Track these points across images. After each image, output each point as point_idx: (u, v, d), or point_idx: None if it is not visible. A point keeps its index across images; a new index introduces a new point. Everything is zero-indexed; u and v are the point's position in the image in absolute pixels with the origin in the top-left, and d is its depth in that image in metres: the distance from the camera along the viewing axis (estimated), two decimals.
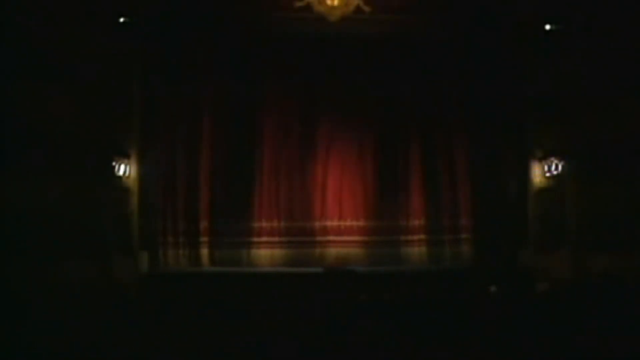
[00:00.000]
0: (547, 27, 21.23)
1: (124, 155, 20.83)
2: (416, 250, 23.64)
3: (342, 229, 23.67)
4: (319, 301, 11.49)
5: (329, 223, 23.69)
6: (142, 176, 21.64)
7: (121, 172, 20.73)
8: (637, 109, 18.07)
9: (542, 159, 21.82)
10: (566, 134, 20.55)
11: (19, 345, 8.21)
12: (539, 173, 21.91)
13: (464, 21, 21.92)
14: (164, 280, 20.02)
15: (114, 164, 20.27)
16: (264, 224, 23.45)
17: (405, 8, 21.67)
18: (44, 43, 17.25)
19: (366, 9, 20.75)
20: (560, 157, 20.96)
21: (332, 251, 23.42)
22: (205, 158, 23.49)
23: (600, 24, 19.50)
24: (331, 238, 23.57)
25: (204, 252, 23.06)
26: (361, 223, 23.74)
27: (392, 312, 10.33)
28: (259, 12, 21.58)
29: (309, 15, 20.93)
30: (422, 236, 23.71)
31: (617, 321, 9.58)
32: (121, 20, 20.38)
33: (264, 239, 23.38)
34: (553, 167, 21.39)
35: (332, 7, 20.50)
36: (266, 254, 23.26)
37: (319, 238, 23.55)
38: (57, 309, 11.05)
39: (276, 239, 23.44)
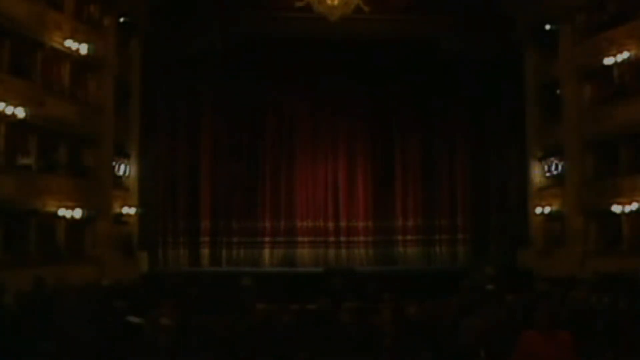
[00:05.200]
0: (547, 27, 21.29)
1: (124, 155, 20.84)
2: (417, 250, 23.73)
3: (343, 229, 23.70)
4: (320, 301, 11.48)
5: (330, 223, 23.73)
6: (142, 176, 21.64)
7: (121, 172, 20.74)
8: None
9: (542, 159, 21.84)
10: (566, 133, 20.56)
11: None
12: (539, 173, 21.92)
13: (463, 21, 21.90)
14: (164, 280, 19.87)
15: (114, 164, 20.28)
16: (266, 224, 23.49)
17: (405, 8, 21.68)
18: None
19: (366, 9, 20.74)
20: (560, 157, 21.00)
21: (333, 251, 23.51)
22: (206, 158, 23.52)
23: None
24: (332, 239, 23.62)
25: (205, 252, 23.12)
26: (361, 223, 23.78)
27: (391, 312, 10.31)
28: (259, 12, 21.57)
29: (309, 15, 20.92)
30: (423, 236, 23.80)
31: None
32: (121, 20, 20.37)
33: (266, 239, 23.42)
34: (553, 167, 21.42)
35: (332, 7, 20.48)
36: (268, 254, 23.33)
37: (320, 238, 23.61)
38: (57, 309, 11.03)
39: (277, 238, 23.47)
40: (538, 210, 21.49)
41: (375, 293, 14.40)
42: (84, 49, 18.25)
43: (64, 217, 17.81)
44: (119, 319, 9.24)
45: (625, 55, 18.40)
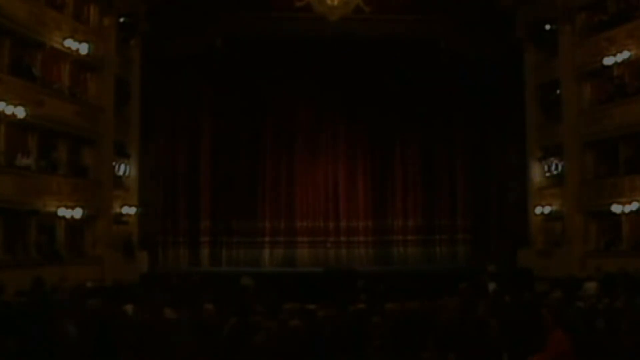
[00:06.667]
0: (547, 27, 21.29)
1: (124, 155, 20.84)
2: (417, 250, 23.74)
3: (343, 229, 23.69)
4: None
5: (330, 224, 23.72)
6: (142, 176, 21.64)
7: (121, 172, 20.74)
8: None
9: (542, 159, 21.84)
10: (566, 133, 20.57)
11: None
12: (539, 173, 21.92)
13: (463, 21, 21.91)
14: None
15: (114, 164, 20.29)
16: (266, 224, 23.46)
17: (405, 8, 21.69)
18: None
19: (366, 9, 20.74)
20: (560, 157, 21.01)
21: (333, 251, 23.51)
22: (206, 158, 23.51)
23: None
24: (332, 239, 23.61)
25: (205, 252, 23.12)
26: (361, 223, 23.77)
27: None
28: (258, 12, 21.57)
29: (309, 15, 20.92)
30: (423, 236, 23.81)
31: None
32: (121, 20, 20.38)
33: (266, 239, 23.39)
34: (553, 167, 21.43)
35: (332, 7, 20.48)
36: (267, 254, 23.32)
37: (320, 238, 23.60)
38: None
39: (277, 238, 23.45)
40: (538, 210, 21.48)
41: (376, 293, 14.43)
42: (84, 49, 18.27)
43: (64, 217, 17.81)
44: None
45: (625, 55, 18.41)
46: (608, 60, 18.85)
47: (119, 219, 20.36)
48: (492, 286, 15.53)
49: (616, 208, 18.50)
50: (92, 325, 8.85)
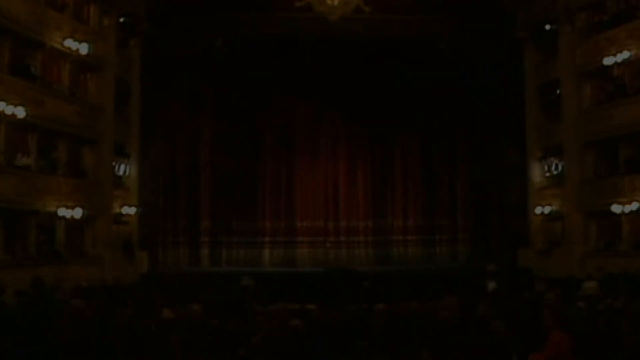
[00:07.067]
0: (547, 27, 21.30)
1: (124, 155, 20.84)
2: (417, 250, 23.73)
3: (343, 229, 23.68)
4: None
5: (330, 224, 23.72)
6: (142, 176, 21.65)
7: (121, 172, 20.73)
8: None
9: (542, 159, 21.84)
10: (566, 133, 20.56)
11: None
12: (539, 173, 21.93)
13: (463, 21, 21.91)
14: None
15: (114, 164, 20.29)
16: (266, 224, 23.45)
17: (405, 8, 21.68)
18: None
19: (366, 9, 20.73)
20: (560, 157, 21.01)
21: (333, 251, 23.50)
22: (206, 158, 23.52)
23: None
24: (332, 239, 23.61)
25: (205, 252, 23.11)
26: (361, 223, 23.77)
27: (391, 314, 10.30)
28: (259, 12, 21.57)
29: (309, 15, 20.93)
30: (423, 236, 23.80)
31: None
32: (121, 20, 20.38)
33: (266, 239, 23.38)
34: (553, 167, 21.43)
35: (332, 7, 20.47)
36: (267, 254, 23.31)
37: (320, 238, 23.61)
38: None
39: (277, 239, 23.44)
40: (538, 210, 21.49)
41: (377, 293, 14.44)
42: (84, 49, 18.25)
43: (64, 217, 17.80)
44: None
45: (625, 55, 18.39)
46: (608, 60, 18.83)
47: (119, 219, 20.36)
48: (492, 286, 15.56)
49: (616, 208, 18.48)
50: (91, 325, 8.86)
